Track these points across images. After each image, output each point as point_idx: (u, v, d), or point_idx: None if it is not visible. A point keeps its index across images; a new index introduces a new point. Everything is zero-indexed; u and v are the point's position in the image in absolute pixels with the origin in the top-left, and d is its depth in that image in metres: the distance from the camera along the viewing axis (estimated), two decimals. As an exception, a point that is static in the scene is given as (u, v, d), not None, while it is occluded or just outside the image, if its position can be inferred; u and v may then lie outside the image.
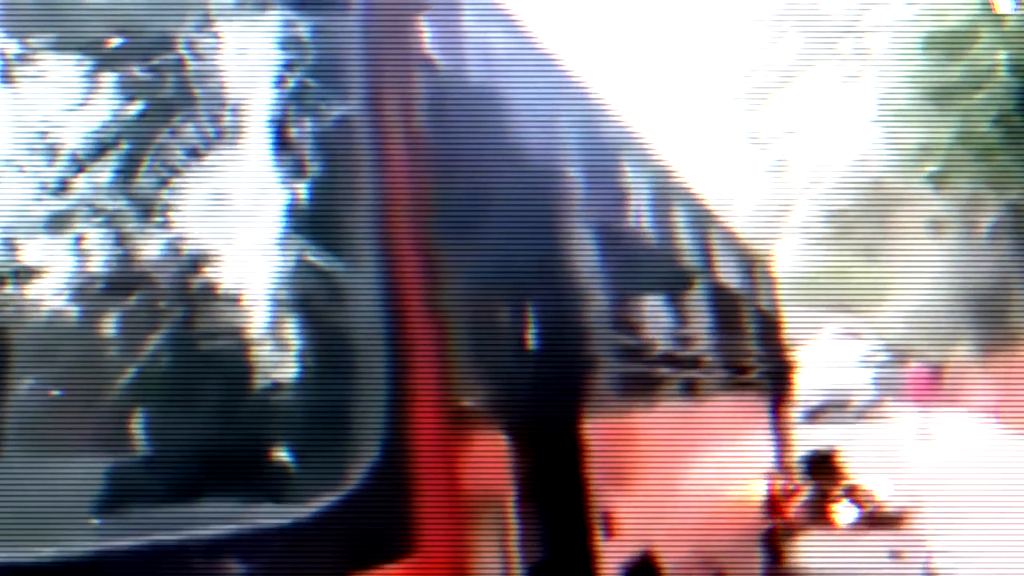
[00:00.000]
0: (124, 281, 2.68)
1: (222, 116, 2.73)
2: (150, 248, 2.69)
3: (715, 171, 35.39)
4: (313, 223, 2.69)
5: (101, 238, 2.71)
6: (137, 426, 2.62)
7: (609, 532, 3.83)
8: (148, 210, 2.70)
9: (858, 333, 39.00)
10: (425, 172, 2.85)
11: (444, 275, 2.87)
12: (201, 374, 2.66)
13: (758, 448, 8.34)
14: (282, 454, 2.63)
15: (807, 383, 37.02)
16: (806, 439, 14.11)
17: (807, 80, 32.15)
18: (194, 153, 2.72)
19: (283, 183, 2.71)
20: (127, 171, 2.72)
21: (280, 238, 2.68)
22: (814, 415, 34.82)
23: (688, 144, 34.33)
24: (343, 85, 2.76)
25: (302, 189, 2.71)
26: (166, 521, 2.57)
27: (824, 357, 36.76)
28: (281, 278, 2.67)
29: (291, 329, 2.66)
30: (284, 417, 2.65)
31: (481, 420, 2.98)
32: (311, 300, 2.66)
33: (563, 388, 3.75)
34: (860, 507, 12.73)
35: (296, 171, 2.71)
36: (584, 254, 4.11)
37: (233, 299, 2.66)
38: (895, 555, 10.52)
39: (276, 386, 2.65)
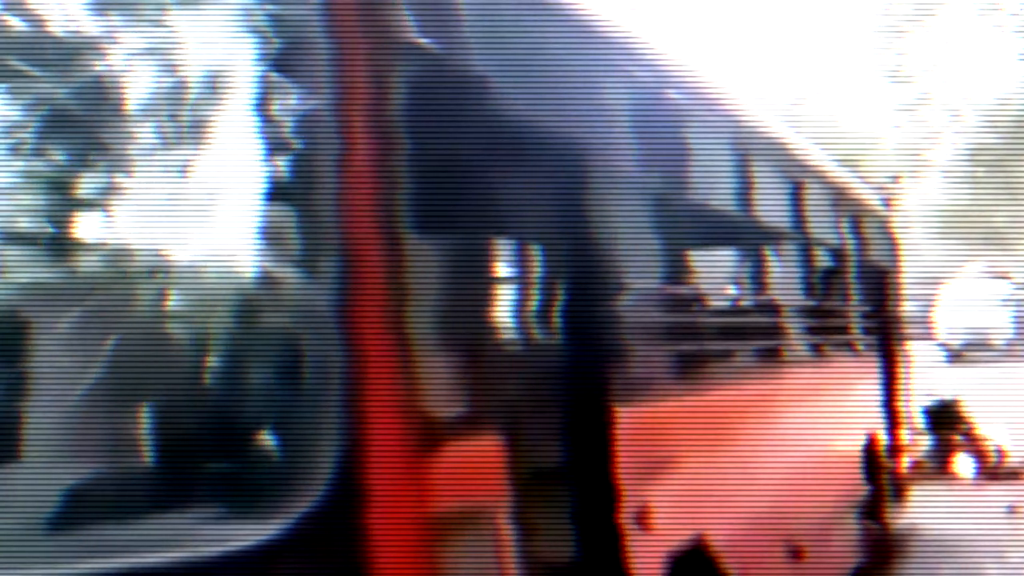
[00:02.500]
0: (75, 287, 2.61)
1: (178, 114, 2.58)
2: (101, 252, 2.62)
3: (853, 108, 34.55)
4: (271, 226, 2.56)
5: (48, 240, 2.64)
6: (89, 438, 2.57)
7: (645, 526, 3.75)
8: (100, 211, 2.63)
9: (1002, 272, 37.82)
10: (402, 169, 2.64)
11: (422, 276, 2.69)
12: (150, 385, 2.56)
13: (855, 408, 8.15)
14: (230, 472, 2.53)
15: (948, 323, 36.32)
16: (933, 385, 13.86)
17: (947, 13, 31.09)
18: (148, 153, 2.60)
19: (242, 182, 2.57)
20: (78, 170, 2.65)
21: (236, 242, 2.58)
22: (956, 355, 34.05)
23: (821, 83, 33.55)
24: (309, 78, 2.57)
25: (262, 189, 2.57)
26: (106, 545, 2.47)
27: (967, 296, 35.82)
28: (237, 284, 2.57)
29: (246, 338, 2.56)
30: (234, 433, 2.54)
31: (459, 430, 2.80)
32: (267, 308, 2.56)
33: (583, 379, 3.65)
34: (981, 460, 12.49)
35: (257, 170, 2.57)
36: (619, 234, 3.94)
37: (188, 306, 2.58)
38: (1013, 510, 10.33)
39: (227, 397, 2.54)
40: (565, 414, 3.69)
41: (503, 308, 3.17)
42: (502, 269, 3.30)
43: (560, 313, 3.77)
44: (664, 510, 3.98)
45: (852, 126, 34.69)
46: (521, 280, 3.90)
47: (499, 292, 3.22)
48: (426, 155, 2.72)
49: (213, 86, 2.59)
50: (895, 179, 35.43)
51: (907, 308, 11.35)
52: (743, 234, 6.15)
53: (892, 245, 10.67)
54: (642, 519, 3.76)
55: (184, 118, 2.58)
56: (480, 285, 3.00)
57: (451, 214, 2.83)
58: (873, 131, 35.12)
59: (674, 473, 4.27)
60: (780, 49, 35.73)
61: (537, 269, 3.93)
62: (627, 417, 3.74)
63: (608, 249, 3.83)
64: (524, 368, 3.57)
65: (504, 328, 3.22)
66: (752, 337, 5.90)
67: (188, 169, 2.58)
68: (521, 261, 3.87)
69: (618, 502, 3.62)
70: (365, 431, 2.50)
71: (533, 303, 3.31)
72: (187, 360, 2.54)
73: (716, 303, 5.66)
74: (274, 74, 2.56)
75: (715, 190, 5.59)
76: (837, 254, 8.17)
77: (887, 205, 11.61)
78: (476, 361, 2.87)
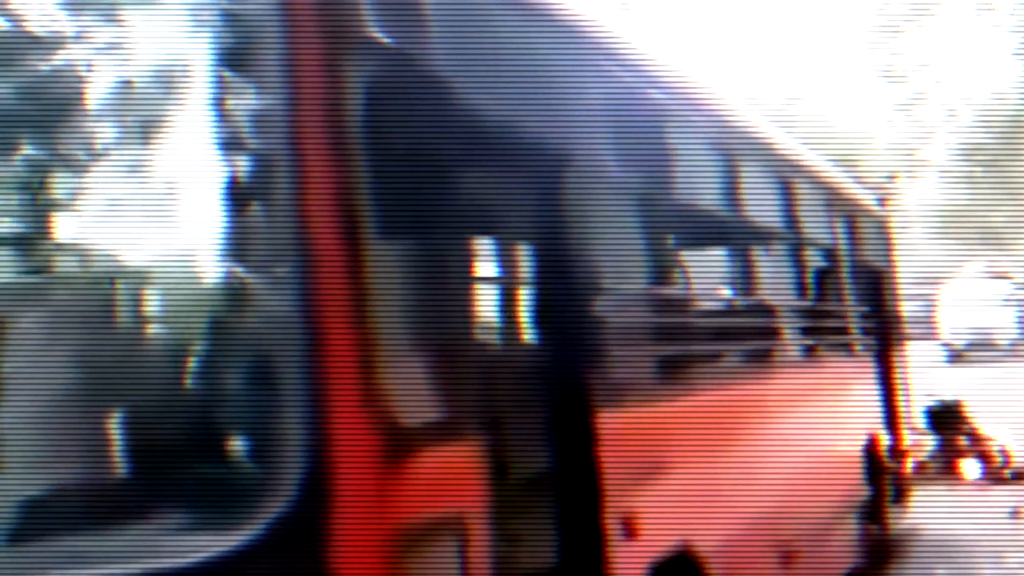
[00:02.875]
0: (26, 290, 2.56)
1: (131, 114, 2.52)
2: (55, 254, 2.55)
3: (848, 107, 34.52)
4: (228, 228, 2.48)
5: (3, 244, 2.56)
6: (50, 448, 2.50)
7: (630, 533, 3.66)
8: (54, 212, 2.55)
9: (1002, 272, 37.75)
10: (364, 168, 2.56)
11: (386, 277, 2.60)
12: (110, 392, 2.49)
13: (852, 410, 8.04)
14: (194, 481, 2.45)
15: (951, 323, 36.25)
16: (936, 386, 13.75)
17: (942, 12, 31.06)
18: (97, 153, 2.55)
19: (199, 183, 2.50)
20: (28, 172, 2.58)
21: (192, 244, 2.51)
22: (958, 356, 33.98)
23: (817, 80, 33.56)
24: (266, 75, 2.48)
25: (220, 190, 2.49)
26: (69, 557, 2.39)
27: (968, 296, 35.75)
28: (195, 287, 2.52)
29: (207, 344, 2.50)
30: (196, 441, 2.47)
31: (429, 436, 2.71)
32: (228, 312, 2.48)
33: (563, 383, 3.55)
34: (986, 462, 12.37)
35: (214, 170, 2.49)
36: (597, 235, 3.83)
37: (146, 310, 2.52)
38: (1016, 513, 10.20)
39: (189, 405, 2.47)
40: (542, 419, 3.60)
41: (474, 310, 3.04)
42: (470, 270, 3.17)
43: (535, 315, 3.69)
44: (651, 516, 3.89)
45: (847, 125, 34.64)
46: (490, 281, 3.81)
47: (468, 294, 3.06)
48: (389, 154, 2.65)
49: (167, 85, 2.53)
50: (892, 178, 35.38)
51: (908, 308, 11.24)
52: (734, 235, 6.07)
53: (888, 245, 10.58)
54: (629, 525, 3.65)
55: (137, 117, 2.53)
56: (447, 287, 2.90)
57: (416, 214, 2.76)
58: (868, 130, 35.08)
59: (664, 478, 4.17)
60: (775, 48, 35.71)
61: (506, 270, 3.82)
62: (612, 421, 3.64)
63: (586, 250, 3.72)
64: (498, 372, 3.46)
65: (476, 331, 3.09)
66: (744, 339, 5.79)
67: (142, 170, 2.53)
68: (489, 262, 3.78)
69: (600, 509, 3.52)
70: (331, 438, 2.43)
71: (504, 305, 3.19)
72: (147, 367, 2.50)
73: (707, 305, 5.54)
74: (230, 72, 2.50)
75: (703, 191, 5.51)
76: (831, 255, 8.08)
77: (883, 205, 11.52)
78: (446, 365, 2.80)
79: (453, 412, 2.80)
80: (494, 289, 3.93)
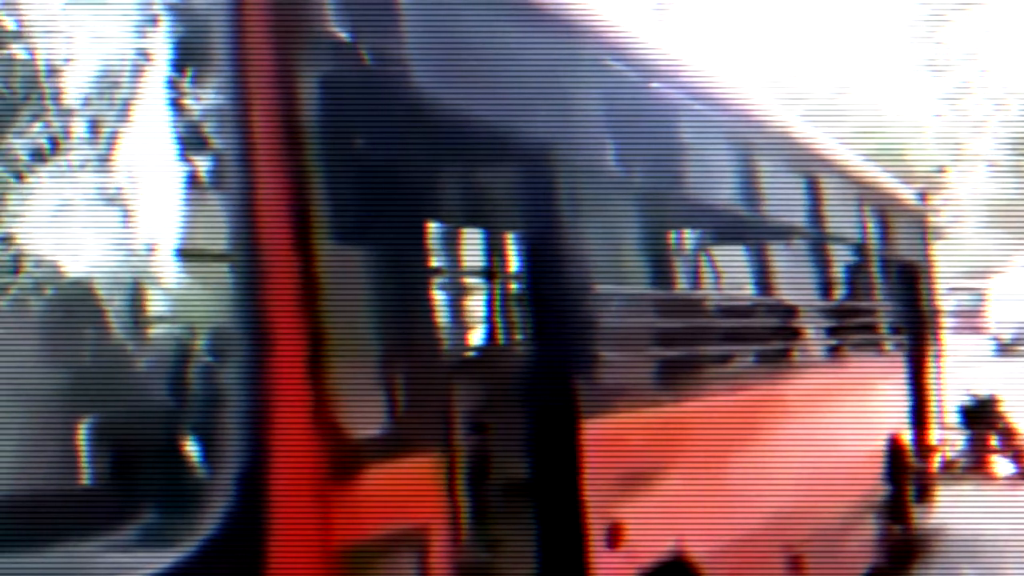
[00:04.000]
0: None
1: (74, 113, 2.41)
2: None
3: (896, 99, 34.13)
4: (170, 230, 2.40)
5: None
6: None
7: (615, 542, 3.60)
8: None
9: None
10: (317, 168, 2.45)
11: (338, 281, 2.49)
12: (41, 401, 2.41)
13: (873, 409, 7.92)
14: (125, 496, 2.35)
15: (999, 317, 35.73)
16: (976, 382, 13.57)
17: (988, 1, 30.60)
18: (41, 155, 2.44)
19: (141, 182, 2.41)
20: None
21: (132, 245, 2.41)
22: (1006, 349, 33.51)
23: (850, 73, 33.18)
24: (212, 72, 2.39)
25: (163, 190, 2.40)
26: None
27: (1016, 289, 35.25)
28: (131, 292, 2.41)
29: (144, 354, 2.39)
30: (130, 454, 2.35)
31: (382, 449, 2.57)
32: (165, 319, 2.40)
33: (542, 390, 3.48)
34: (1018, 459, 12.23)
35: (158, 168, 2.39)
36: (574, 234, 3.66)
37: (81, 314, 2.40)
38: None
39: (124, 415, 2.37)
40: (516, 426, 3.53)
41: (434, 315, 2.88)
42: (430, 273, 2.98)
43: (509, 318, 3.64)
44: (641, 521, 3.85)
45: (896, 116, 34.23)
46: (453, 284, 3.73)
47: (427, 298, 2.89)
48: (345, 152, 2.56)
49: (115, 82, 2.44)
50: (941, 170, 34.95)
51: (956, 302, 11.01)
52: (750, 232, 6.01)
53: (925, 240, 10.45)
54: (614, 532, 3.64)
55: (84, 115, 2.44)
56: (405, 291, 2.78)
57: (373, 215, 2.64)
58: (917, 122, 34.62)
59: (658, 481, 4.15)
60: (822, 40, 35.34)
61: (470, 272, 3.74)
62: (598, 427, 3.59)
63: (570, 247, 3.60)
64: (466, 377, 3.37)
65: (437, 337, 2.93)
66: (755, 339, 5.75)
67: (89, 168, 2.43)
68: (453, 263, 3.67)
69: (581, 517, 3.46)
70: (272, 451, 2.32)
71: (466, 309, 3.08)
72: (84, 375, 2.42)
73: (715, 303, 5.51)
74: (181, 67, 2.42)
75: (719, 188, 5.47)
76: (860, 250, 8.00)
77: (923, 199, 11.38)
78: (404, 373, 2.68)
79: (411, 422, 2.67)
80: (458, 292, 3.84)
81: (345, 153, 2.56)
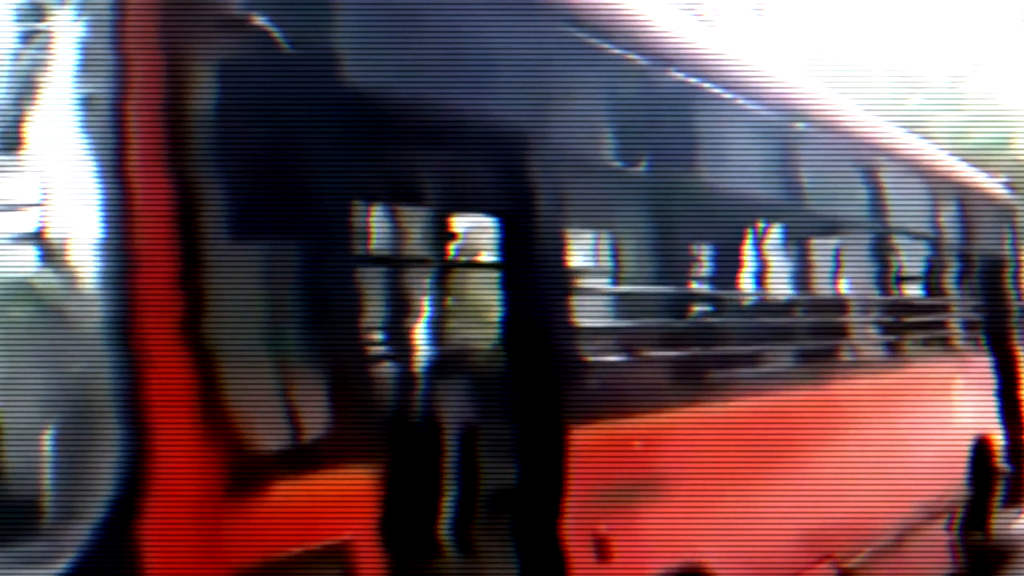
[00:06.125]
0: None
1: None
2: None
3: (1014, 87, 33.06)
4: (39, 228, 2.22)
5: None
6: None
7: (605, 556, 3.44)
8: None
9: None
10: (205, 164, 2.28)
11: (232, 282, 2.32)
12: None
13: (948, 410, 7.54)
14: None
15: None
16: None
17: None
18: None
19: (11, 176, 2.26)
20: None
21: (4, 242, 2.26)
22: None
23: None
24: (95, 59, 2.21)
25: (36, 183, 2.23)
26: None
27: None
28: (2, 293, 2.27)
29: (12, 361, 2.25)
30: None
31: (290, 463, 2.41)
32: (36, 326, 2.23)
33: (530, 396, 3.31)
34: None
35: (27, 164, 2.24)
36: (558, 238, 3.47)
37: None
38: None
39: None
40: (463, 438, 3.39)
41: (340, 318, 2.65)
42: (347, 267, 2.71)
43: (424, 323, 3.46)
44: (653, 532, 3.74)
45: (1014, 104, 33.12)
46: (380, 279, 3.51)
47: (333, 301, 2.64)
48: (238, 145, 2.38)
49: None
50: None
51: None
52: (815, 227, 5.82)
53: (1012, 233, 10.01)
54: (603, 547, 3.48)
55: None
56: (311, 287, 2.56)
57: (269, 213, 2.47)
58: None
59: (670, 491, 3.98)
60: (939, 26, 34.44)
61: (384, 273, 3.52)
62: (580, 435, 3.43)
63: (540, 237, 3.40)
64: (389, 382, 3.13)
65: (350, 343, 2.70)
66: (798, 338, 5.53)
67: None
68: (372, 256, 3.44)
69: (556, 533, 3.31)
70: (149, 469, 2.14)
71: (373, 312, 2.81)
72: None
73: (751, 302, 5.31)
74: (56, 53, 2.25)
75: (788, 185, 5.33)
76: (936, 244, 7.69)
77: (1012, 191, 10.93)
78: (312, 378, 2.52)
79: (324, 432, 2.49)
80: (390, 287, 3.64)
81: (238, 144, 2.38)
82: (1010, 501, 8.77)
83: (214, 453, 2.23)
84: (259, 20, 2.45)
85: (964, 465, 7.66)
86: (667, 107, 4.29)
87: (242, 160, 2.39)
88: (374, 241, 2.74)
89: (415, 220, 3.67)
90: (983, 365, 8.48)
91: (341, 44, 2.68)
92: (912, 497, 6.60)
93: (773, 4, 27.44)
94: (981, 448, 8.00)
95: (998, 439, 8.45)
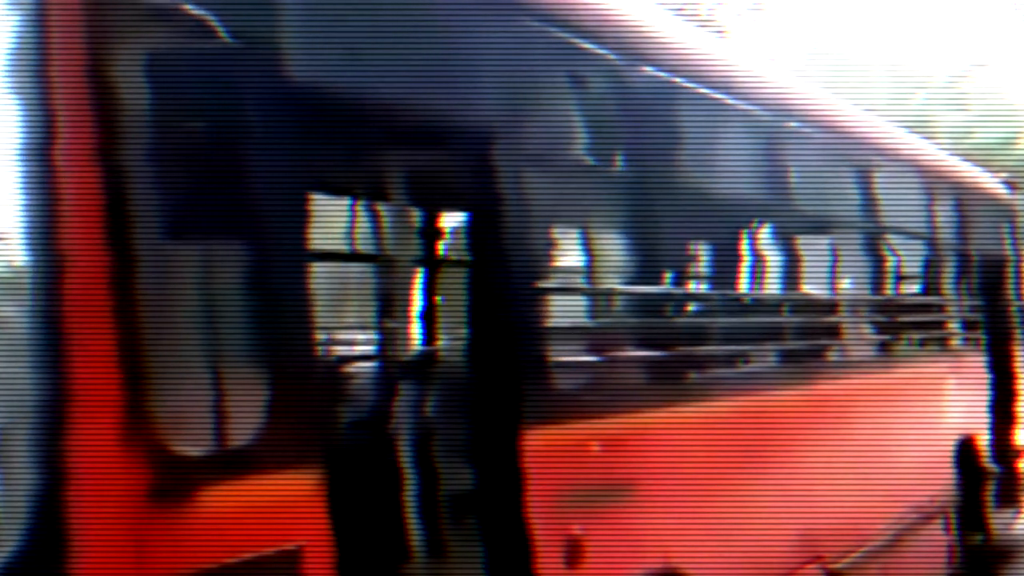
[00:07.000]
0: None
1: None
2: None
3: (1017, 84, 32.96)
4: None
5: None
6: None
7: (574, 561, 3.36)
8: None
9: None
10: (133, 157, 2.20)
11: (165, 285, 2.25)
12: None
13: (936, 410, 7.45)
14: None
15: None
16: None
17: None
18: None
19: None
20: None
21: None
22: None
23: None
24: (21, 51, 2.14)
25: None
26: None
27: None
28: None
29: None
30: None
31: (226, 468, 2.33)
32: None
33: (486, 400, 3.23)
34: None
35: None
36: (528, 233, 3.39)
37: None
38: None
39: None
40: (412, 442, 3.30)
41: (298, 313, 2.57)
42: (291, 267, 2.60)
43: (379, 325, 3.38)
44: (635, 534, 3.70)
45: (1017, 102, 33.02)
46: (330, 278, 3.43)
47: (284, 294, 2.56)
48: (175, 139, 2.31)
49: None
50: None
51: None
52: (804, 225, 5.75)
53: (1012, 232, 9.92)
54: (574, 549, 3.40)
55: None
56: (252, 287, 2.49)
57: (209, 209, 2.41)
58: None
59: (644, 493, 3.91)
60: (942, 24, 34.38)
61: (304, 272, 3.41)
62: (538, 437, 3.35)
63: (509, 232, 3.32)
64: (317, 392, 3.02)
65: (299, 339, 2.61)
66: (787, 337, 5.46)
67: None
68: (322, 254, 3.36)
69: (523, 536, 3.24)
70: (72, 473, 2.07)
71: (314, 311, 2.70)
72: None
73: (735, 301, 5.23)
74: None
75: (781, 184, 5.26)
76: (930, 243, 7.61)
77: (1012, 189, 10.85)
78: (251, 380, 2.44)
79: (264, 436, 2.40)
80: (340, 287, 3.57)
81: (176, 134, 2.32)
82: (1004, 501, 8.68)
83: (141, 457, 2.14)
84: (194, 9, 2.36)
85: (950, 465, 7.57)
86: (661, 106, 4.25)
87: (175, 155, 2.32)
88: (315, 238, 2.64)
89: (359, 216, 3.59)
90: (975, 365, 8.40)
91: (280, 33, 2.60)
92: (900, 498, 6.53)
93: (772, 2, 27.39)
94: (966, 448, 7.90)
95: (983, 439, 8.34)
